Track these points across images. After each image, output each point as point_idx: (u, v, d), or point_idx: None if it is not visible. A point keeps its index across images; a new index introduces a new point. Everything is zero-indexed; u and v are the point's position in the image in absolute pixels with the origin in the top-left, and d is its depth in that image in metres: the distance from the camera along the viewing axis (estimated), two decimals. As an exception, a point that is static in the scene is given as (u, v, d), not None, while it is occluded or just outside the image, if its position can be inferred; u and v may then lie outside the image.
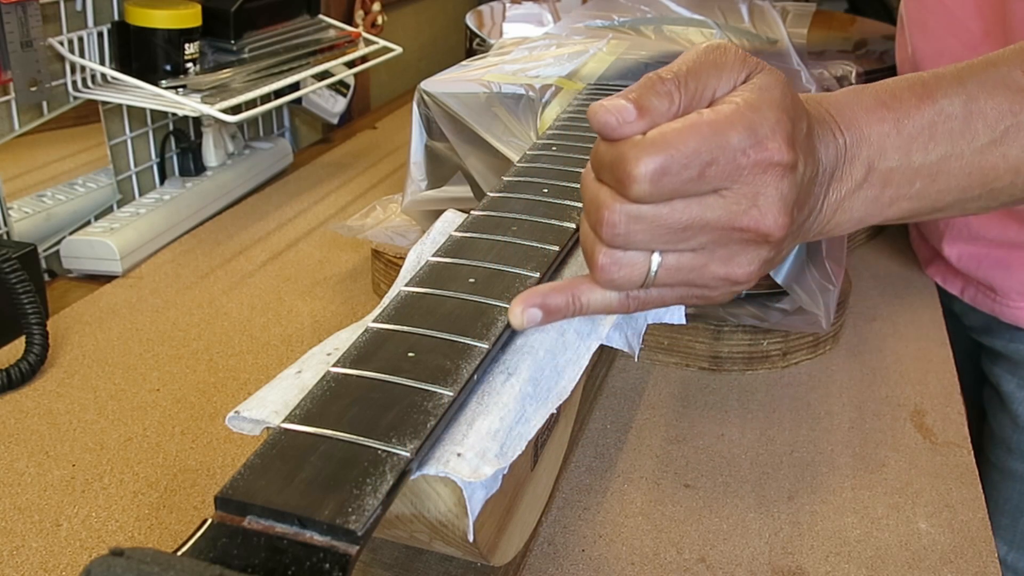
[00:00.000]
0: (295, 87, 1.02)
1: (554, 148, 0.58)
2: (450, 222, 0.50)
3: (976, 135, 0.42)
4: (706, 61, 0.38)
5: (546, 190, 0.51)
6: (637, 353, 0.48)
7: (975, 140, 0.42)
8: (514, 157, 0.64)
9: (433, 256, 0.44)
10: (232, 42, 0.92)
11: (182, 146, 1.00)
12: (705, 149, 0.35)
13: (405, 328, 0.38)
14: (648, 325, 0.48)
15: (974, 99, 0.42)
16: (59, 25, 0.82)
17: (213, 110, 0.82)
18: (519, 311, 0.39)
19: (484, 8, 1.09)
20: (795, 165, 0.37)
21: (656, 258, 0.38)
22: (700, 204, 0.37)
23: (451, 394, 0.34)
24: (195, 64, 0.88)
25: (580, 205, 0.49)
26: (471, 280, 0.42)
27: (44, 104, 0.81)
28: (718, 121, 0.36)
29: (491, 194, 0.51)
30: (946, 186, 0.43)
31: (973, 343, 0.87)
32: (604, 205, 0.37)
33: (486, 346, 0.37)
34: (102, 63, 0.86)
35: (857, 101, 0.43)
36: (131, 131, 0.93)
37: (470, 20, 1.01)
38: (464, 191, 0.74)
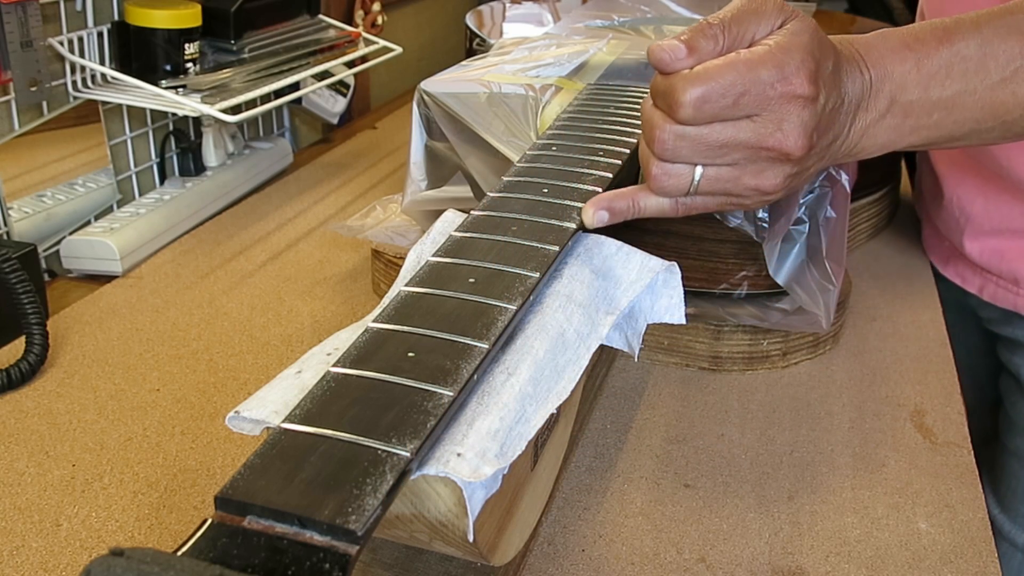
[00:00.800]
0: (295, 87, 1.02)
1: (554, 148, 0.58)
2: (450, 222, 0.50)
3: (988, 74, 0.48)
4: (748, 9, 0.45)
5: (546, 190, 0.51)
6: (637, 353, 0.48)
7: (987, 78, 0.48)
8: (514, 157, 0.64)
9: (433, 256, 0.44)
10: (232, 42, 0.92)
11: (182, 146, 1.00)
12: (740, 82, 0.43)
13: (405, 328, 0.38)
14: (648, 325, 0.48)
15: (988, 42, 0.48)
16: (59, 25, 0.82)
17: (213, 110, 0.82)
18: (591, 212, 0.48)
19: (484, 8, 1.09)
20: (816, 98, 0.44)
21: (699, 170, 0.46)
22: (735, 127, 0.44)
23: (451, 394, 0.34)
24: (195, 64, 0.88)
25: (580, 205, 0.49)
26: (471, 280, 0.42)
27: (44, 104, 0.81)
28: (752, 60, 0.43)
29: (491, 194, 0.51)
30: (961, 117, 0.49)
31: (988, 334, 0.87)
32: (656, 126, 0.45)
33: (486, 346, 0.37)
34: (102, 63, 0.86)
35: (884, 42, 0.49)
36: (131, 131, 0.93)
37: (470, 20, 1.01)
38: (464, 191, 0.74)
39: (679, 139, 0.45)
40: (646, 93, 0.69)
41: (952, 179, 0.83)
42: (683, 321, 0.48)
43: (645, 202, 0.49)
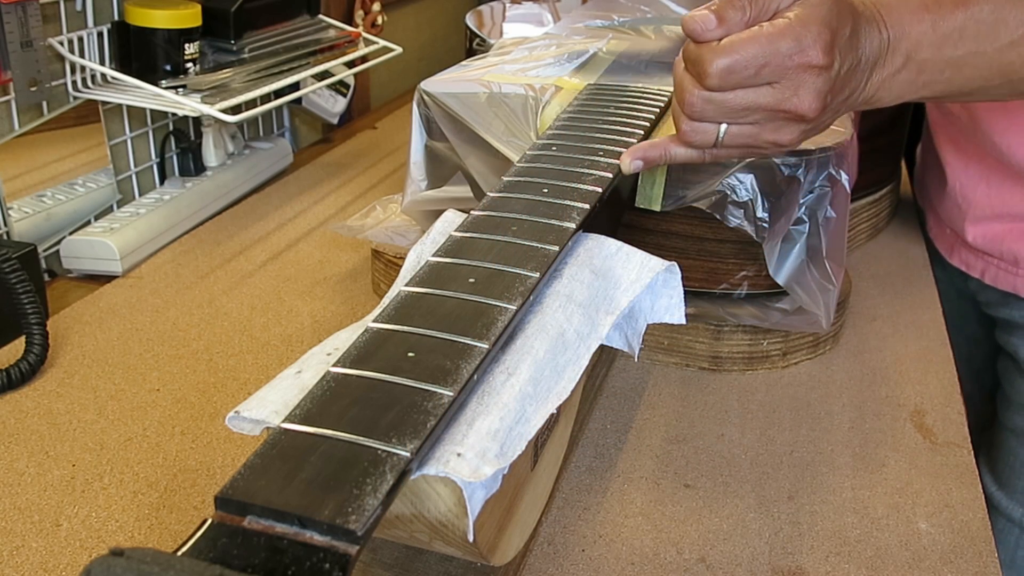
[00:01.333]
0: (295, 87, 1.02)
1: (554, 148, 0.58)
2: (450, 222, 0.50)
3: (998, 37, 0.52)
4: None
5: (546, 190, 0.51)
6: (637, 353, 0.48)
7: (997, 41, 0.52)
8: (514, 157, 0.64)
9: (433, 256, 0.44)
10: (232, 42, 0.92)
11: (182, 146, 1.00)
12: (762, 54, 0.48)
13: (405, 328, 0.38)
14: (648, 325, 0.48)
15: (1001, 7, 0.52)
16: (59, 25, 0.82)
17: (213, 110, 0.82)
18: (628, 161, 0.55)
19: (484, 8, 1.09)
20: (830, 66, 0.49)
21: (723, 128, 0.51)
22: (756, 92, 0.49)
23: (451, 394, 0.34)
24: (195, 64, 0.88)
25: (580, 206, 0.49)
26: (471, 280, 0.42)
27: (44, 104, 0.81)
28: (773, 33, 0.48)
29: (491, 194, 0.51)
30: (971, 75, 0.54)
31: (987, 322, 0.89)
32: (686, 89, 0.50)
33: (486, 346, 0.37)
34: (102, 63, 0.86)
35: (904, 4, 0.53)
36: (131, 131, 0.93)
37: (470, 20, 1.01)
38: (464, 191, 0.74)
39: (706, 103, 0.50)
40: (646, 93, 0.69)
41: (956, 166, 0.85)
42: (683, 321, 0.48)
43: (676, 152, 0.54)
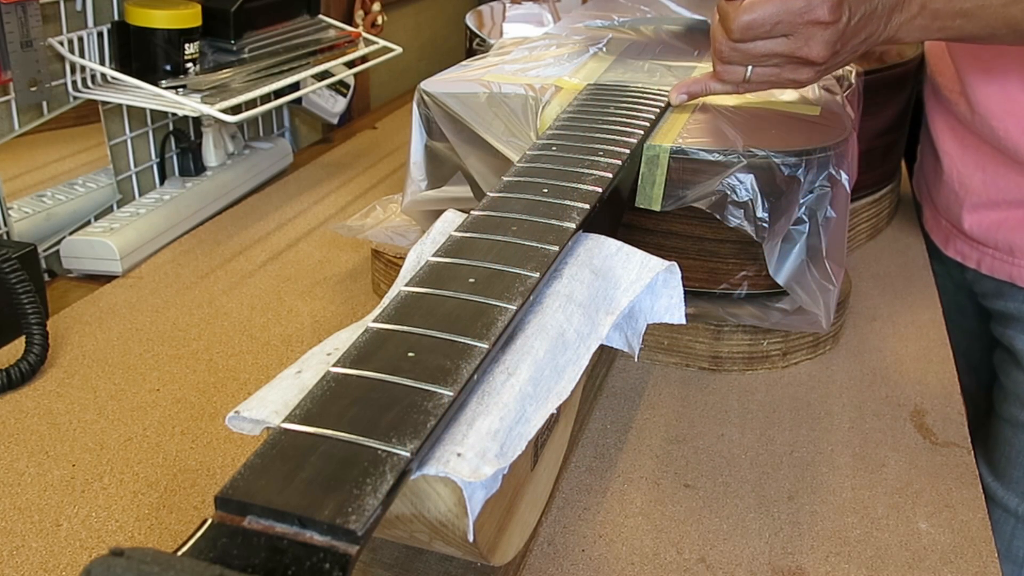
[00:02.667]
0: (295, 87, 1.02)
1: (554, 148, 0.58)
2: (450, 222, 0.50)
3: None
4: None
5: (546, 190, 0.51)
6: (637, 353, 0.48)
7: None
8: (514, 157, 0.64)
9: (433, 256, 0.44)
10: (232, 42, 0.92)
11: (182, 146, 1.00)
12: (776, 12, 0.59)
13: (405, 328, 0.38)
14: (648, 325, 0.48)
15: None
16: (59, 25, 0.82)
17: (213, 110, 0.82)
18: (675, 95, 0.68)
19: (484, 8, 1.09)
20: (837, 21, 0.59)
21: (749, 69, 0.64)
22: (773, 43, 0.61)
23: (451, 394, 0.34)
24: (195, 64, 0.88)
25: (580, 206, 0.49)
26: (471, 280, 0.42)
27: (44, 104, 0.81)
28: None
29: (491, 194, 0.51)
30: (980, 24, 0.61)
31: (984, 316, 0.90)
32: (718, 39, 0.63)
33: (486, 346, 0.37)
34: (102, 63, 0.86)
35: None
36: (131, 131, 0.93)
37: (470, 20, 1.01)
38: (464, 191, 0.74)
39: (732, 51, 0.62)
40: (646, 93, 0.70)
41: (952, 154, 0.86)
42: (683, 321, 0.48)
43: (714, 86, 0.67)
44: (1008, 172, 0.80)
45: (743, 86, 0.65)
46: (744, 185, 0.61)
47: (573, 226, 0.47)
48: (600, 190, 0.52)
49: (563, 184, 0.52)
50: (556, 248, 0.45)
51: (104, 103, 0.87)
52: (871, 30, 0.61)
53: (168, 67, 0.87)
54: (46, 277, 0.82)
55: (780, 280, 0.66)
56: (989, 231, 0.83)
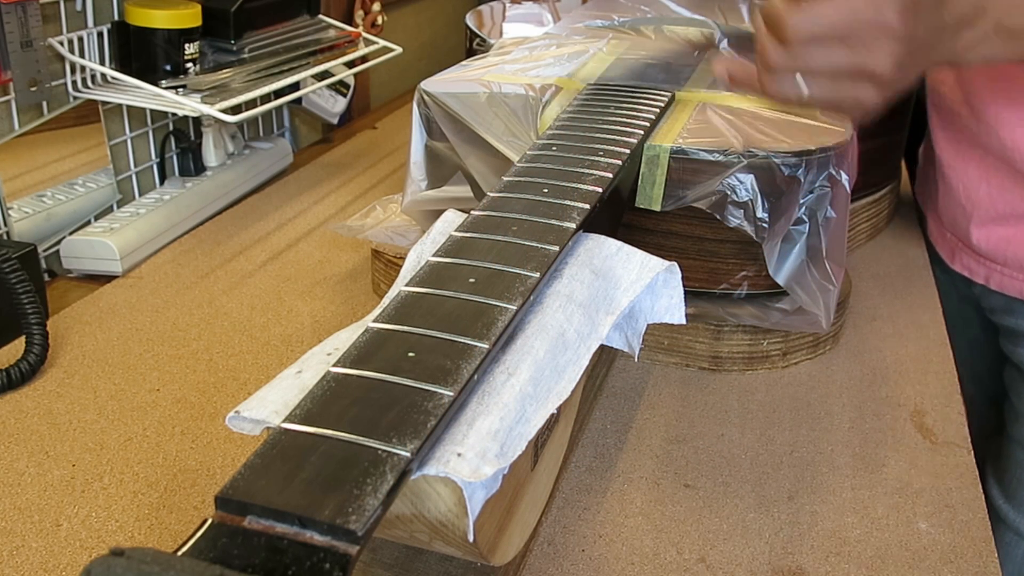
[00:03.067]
0: (295, 87, 1.02)
1: (554, 148, 0.58)
2: (450, 222, 0.50)
3: None
4: None
5: (546, 190, 0.51)
6: (637, 353, 0.48)
7: None
8: (514, 157, 0.64)
9: (433, 256, 0.44)
10: (232, 42, 0.92)
11: (182, 146, 1.00)
12: (839, 16, 0.50)
13: (405, 328, 0.38)
14: (648, 325, 0.48)
15: None
16: (59, 25, 0.82)
17: (213, 110, 0.82)
18: (720, 67, 0.60)
19: (484, 8, 1.09)
20: (905, 30, 0.50)
21: (804, 85, 0.53)
22: (832, 52, 0.51)
23: (451, 394, 0.34)
24: (195, 64, 0.88)
25: (580, 206, 0.49)
26: (471, 280, 0.42)
27: (44, 104, 0.81)
28: None
29: (491, 194, 0.51)
30: None
31: (990, 327, 0.87)
32: (765, 47, 0.53)
33: (486, 346, 0.37)
34: (102, 63, 0.86)
35: None
36: (131, 131, 0.93)
37: (470, 20, 1.01)
38: (464, 191, 0.74)
39: (787, 58, 0.53)
40: (646, 93, 0.69)
41: (957, 168, 0.83)
42: (683, 321, 0.48)
43: (760, 89, 0.57)
44: (1014, 185, 0.77)
45: (800, 103, 0.56)
46: (744, 185, 0.61)
47: (573, 226, 0.47)
48: (600, 190, 0.52)
49: (563, 184, 0.52)
50: (556, 248, 0.45)
51: (104, 103, 0.87)
52: (940, 46, 0.54)
53: (168, 67, 0.87)
54: (46, 277, 0.82)
55: (780, 280, 0.66)
56: (998, 247, 0.80)
